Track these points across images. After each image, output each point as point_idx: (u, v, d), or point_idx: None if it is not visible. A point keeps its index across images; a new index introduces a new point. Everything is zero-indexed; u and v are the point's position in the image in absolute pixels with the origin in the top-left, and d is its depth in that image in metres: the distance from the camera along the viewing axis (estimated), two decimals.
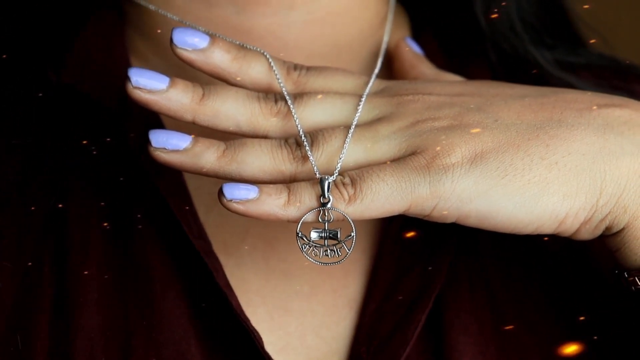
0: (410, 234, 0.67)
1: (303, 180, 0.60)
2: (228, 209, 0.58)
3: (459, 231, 0.66)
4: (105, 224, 0.65)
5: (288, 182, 0.60)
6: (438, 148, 0.59)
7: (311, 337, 0.65)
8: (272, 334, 0.65)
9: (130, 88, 0.60)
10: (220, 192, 0.58)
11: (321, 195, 0.59)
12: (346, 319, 0.66)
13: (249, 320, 0.63)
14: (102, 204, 0.66)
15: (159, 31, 0.68)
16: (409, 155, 0.60)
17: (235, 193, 0.58)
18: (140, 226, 0.65)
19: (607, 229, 0.60)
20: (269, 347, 0.64)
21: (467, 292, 0.66)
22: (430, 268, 0.65)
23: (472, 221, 0.59)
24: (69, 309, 0.63)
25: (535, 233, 0.60)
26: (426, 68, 0.70)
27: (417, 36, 0.73)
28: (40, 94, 0.68)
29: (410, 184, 0.58)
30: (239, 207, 0.58)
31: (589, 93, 0.63)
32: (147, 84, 0.60)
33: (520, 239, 0.66)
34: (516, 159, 0.59)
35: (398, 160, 0.59)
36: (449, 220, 0.60)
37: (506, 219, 0.59)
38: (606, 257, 0.64)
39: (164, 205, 0.65)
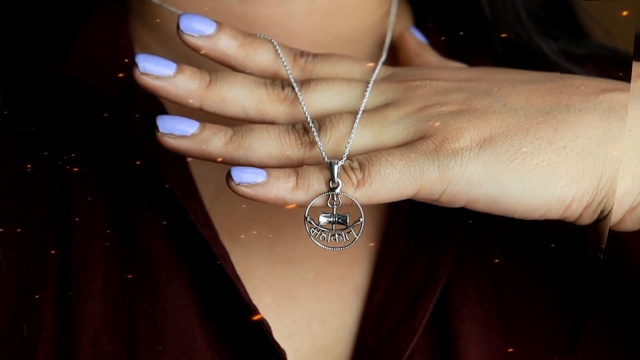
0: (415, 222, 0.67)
1: (311, 165, 0.59)
2: (236, 192, 0.57)
3: (465, 219, 0.66)
4: (110, 213, 0.65)
5: (296, 167, 0.60)
6: (447, 132, 0.59)
7: (317, 325, 0.65)
8: (279, 322, 0.65)
9: (137, 74, 0.59)
10: (229, 176, 0.57)
11: (330, 180, 0.58)
12: (352, 307, 0.66)
13: (256, 309, 0.63)
14: (106, 193, 0.66)
15: (158, 21, 0.68)
16: (418, 139, 0.59)
17: (244, 177, 0.57)
18: (144, 215, 0.65)
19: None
20: (275, 335, 0.63)
21: (473, 281, 0.66)
22: (436, 257, 0.65)
23: (481, 205, 0.59)
24: (73, 299, 0.63)
25: (542, 218, 0.60)
26: (431, 56, 0.69)
27: (419, 27, 0.73)
28: (45, 84, 0.68)
29: (419, 167, 0.58)
30: (247, 191, 0.57)
31: (595, 78, 0.63)
32: (155, 70, 0.59)
33: (526, 227, 0.66)
34: (525, 143, 0.59)
35: (407, 144, 0.59)
36: (458, 205, 0.60)
37: (515, 203, 0.58)
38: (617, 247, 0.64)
39: (169, 194, 0.65)
